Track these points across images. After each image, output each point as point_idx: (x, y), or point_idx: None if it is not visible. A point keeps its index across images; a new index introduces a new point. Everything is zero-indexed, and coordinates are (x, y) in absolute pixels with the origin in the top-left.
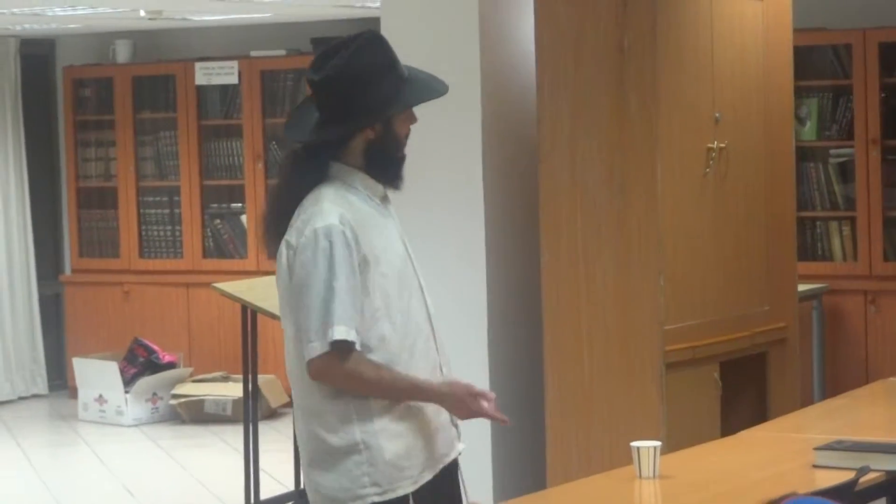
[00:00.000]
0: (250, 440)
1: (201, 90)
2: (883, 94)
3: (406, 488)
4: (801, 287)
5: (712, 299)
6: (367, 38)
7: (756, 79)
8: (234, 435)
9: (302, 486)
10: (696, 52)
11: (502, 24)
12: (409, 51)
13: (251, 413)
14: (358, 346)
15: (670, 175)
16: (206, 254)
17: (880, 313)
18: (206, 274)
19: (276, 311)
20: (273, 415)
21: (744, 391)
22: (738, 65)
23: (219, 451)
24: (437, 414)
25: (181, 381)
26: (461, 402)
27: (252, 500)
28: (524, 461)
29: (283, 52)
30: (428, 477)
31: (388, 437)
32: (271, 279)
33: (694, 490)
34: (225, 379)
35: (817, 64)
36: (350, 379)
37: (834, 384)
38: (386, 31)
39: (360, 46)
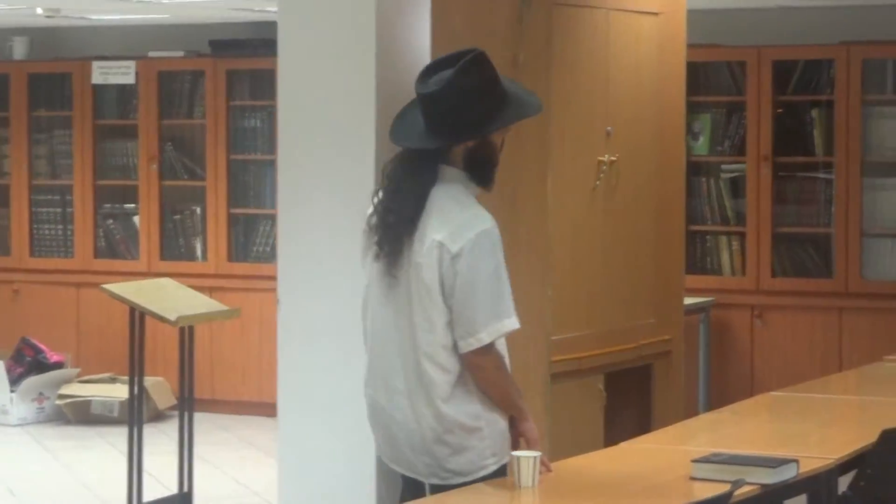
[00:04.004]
0: (134, 442)
1: (98, 89)
2: (779, 111)
3: (509, 454)
4: (689, 300)
5: (599, 311)
6: (472, 57)
7: (649, 93)
8: (119, 437)
9: (185, 488)
10: (590, 67)
11: (399, 33)
12: (305, 58)
13: (136, 415)
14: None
15: (561, 187)
16: (97, 254)
17: (766, 328)
18: (96, 274)
19: (164, 314)
20: (160, 417)
21: (628, 402)
22: (632, 79)
23: (104, 453)
24: None
25: (68, 381)
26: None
27: (135, 503)
28: None
29: (181, 54)
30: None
31: (500, 410)
32: (160, 281)
33: (570, 500)
34: (112, 380)
35: (712, 80)
36: (499, 371)
37: (719, 397)
38: (282, 37)
39: (465, 64)
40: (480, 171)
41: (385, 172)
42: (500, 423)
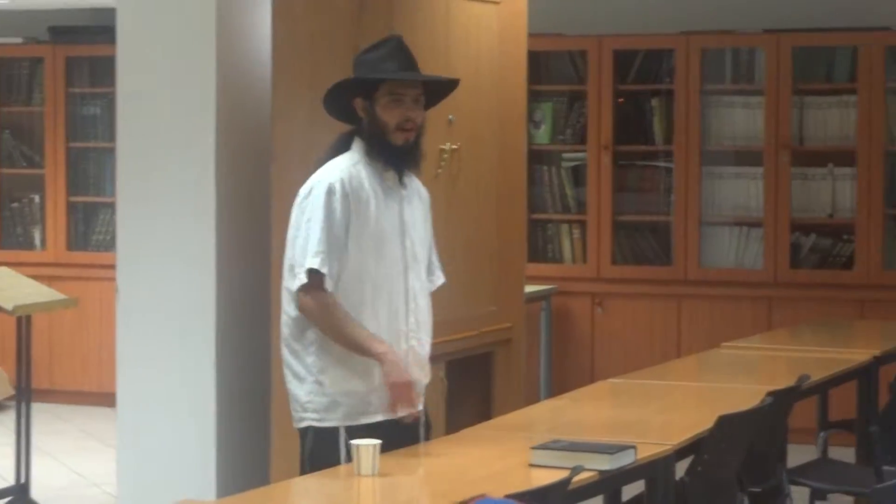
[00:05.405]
0: None
1: None
2: (620, 100)
3: (338, 422)
4: (531, 288)
5: (440, 299)
6: (382, 39)
7: (491, 82)
8: None
9: (22, 479)
10: (431, 54)
11: (240, 20)
12: (144, 44)
13: None
14: (328, 283)
15: None
16: None
17: (607, 315)
18: None
19: (0, 303)
20: None
21: (470, 390)
22: (472, 67)
23: None
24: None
25: None
26: (397, 365)
27: None
28: (248, 457)
29: (19, 40)
30: (366, 421)
31: (336, 375)
32: None
33: (411, 488)
34: None
35: (553, 69)
36: (324, 311)
37: (560, 384)
38: (121, 24)
39: (374, 44)
40: (372, 146)
41: None
42: (328, 387)
